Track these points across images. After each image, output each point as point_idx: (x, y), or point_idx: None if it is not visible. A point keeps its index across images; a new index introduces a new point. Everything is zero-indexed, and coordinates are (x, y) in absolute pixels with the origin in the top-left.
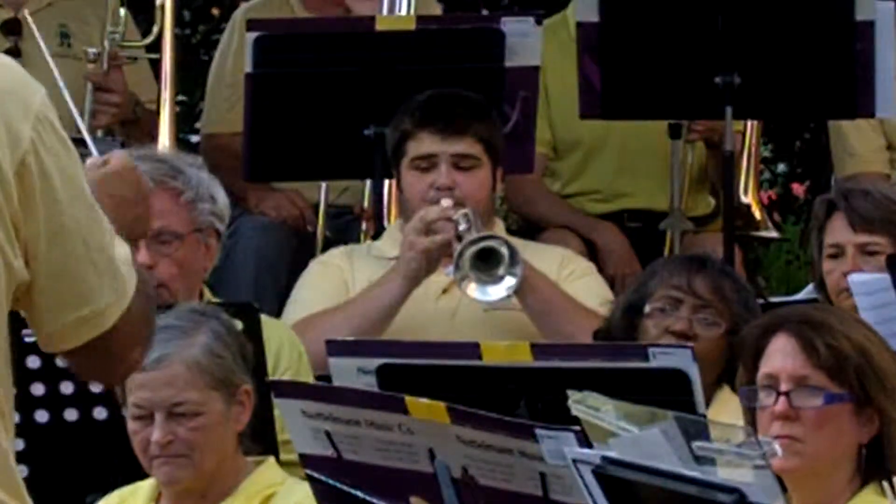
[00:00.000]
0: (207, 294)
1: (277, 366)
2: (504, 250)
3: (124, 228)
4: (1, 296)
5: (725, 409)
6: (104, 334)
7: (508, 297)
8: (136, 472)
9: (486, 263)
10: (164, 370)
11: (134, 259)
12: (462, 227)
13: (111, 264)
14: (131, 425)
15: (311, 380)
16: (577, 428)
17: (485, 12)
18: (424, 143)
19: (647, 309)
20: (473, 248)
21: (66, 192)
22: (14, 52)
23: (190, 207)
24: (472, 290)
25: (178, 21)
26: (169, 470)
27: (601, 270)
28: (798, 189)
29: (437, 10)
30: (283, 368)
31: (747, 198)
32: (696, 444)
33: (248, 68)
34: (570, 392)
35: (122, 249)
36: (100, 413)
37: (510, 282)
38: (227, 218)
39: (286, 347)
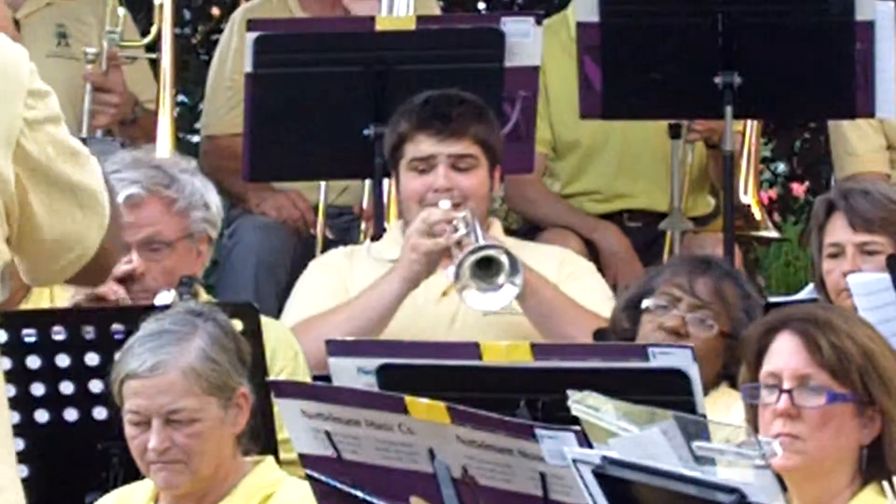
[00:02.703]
0: (203, 296)
1: (273, 365)
2: (504, 259)
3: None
4: None
5: (716, 405)
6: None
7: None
8: (135, 473)
9: (487, 272)
10: (160, 378)
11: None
12: (461, 231)
13: (93, 198)
14: (128, 430)
15: (307, 379)
16: (577, 428)
17: (484, 11)
18: (422, 145)
19: (645, 304)
20: (473, 258)
21: (54, 151)
22: None
23: (183, 215)
24: (473, 298)
25: (178, 21)
26: (166, 476)
27: (602, 271)
28: (798, 189)
29: (437, 10)
30: (278, 368)
31: (747, 198)
32: (696, 444)
33: (248, 68)
34: (570, 392)
35: (97, 169)
36: (100, 413)
37: (510, 290)
38: (220, 223)
39: (282, 347)
